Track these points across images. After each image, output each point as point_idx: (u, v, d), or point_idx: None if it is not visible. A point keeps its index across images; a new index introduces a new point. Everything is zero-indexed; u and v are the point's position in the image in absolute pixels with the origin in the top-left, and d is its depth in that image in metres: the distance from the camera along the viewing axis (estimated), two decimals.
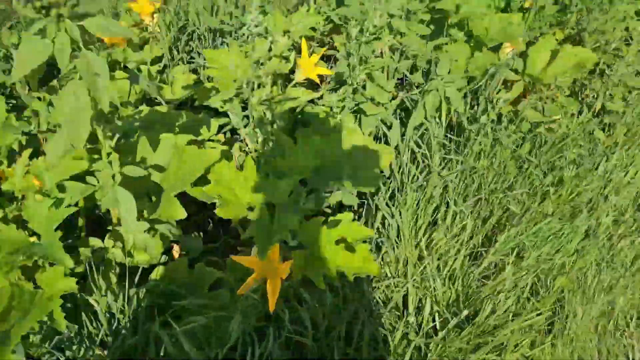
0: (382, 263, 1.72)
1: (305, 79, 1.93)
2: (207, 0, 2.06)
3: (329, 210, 1.52)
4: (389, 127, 1.85)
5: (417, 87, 1.77)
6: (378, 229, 1.73)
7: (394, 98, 1.86)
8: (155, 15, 2.34)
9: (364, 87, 1.76)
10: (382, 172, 1.66)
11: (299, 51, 2.00)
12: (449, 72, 1.70)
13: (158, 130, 1.45)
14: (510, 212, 1.87)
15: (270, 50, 1.90)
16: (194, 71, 2.19)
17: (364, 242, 1.35)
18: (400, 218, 1.73)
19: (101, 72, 0.94)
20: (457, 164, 1.82)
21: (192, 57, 2.21)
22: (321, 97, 1.88)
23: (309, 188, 1.40)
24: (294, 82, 1.93)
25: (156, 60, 2.28)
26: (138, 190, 1.30)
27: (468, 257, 1.80)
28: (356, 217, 1.58)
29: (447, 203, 1.81)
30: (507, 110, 1.78)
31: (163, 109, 1.64)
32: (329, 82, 1.90)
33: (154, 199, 1.39)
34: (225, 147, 1.47)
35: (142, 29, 2.46)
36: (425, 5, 1.84)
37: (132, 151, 1.41)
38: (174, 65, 2.23)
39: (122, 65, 2.23)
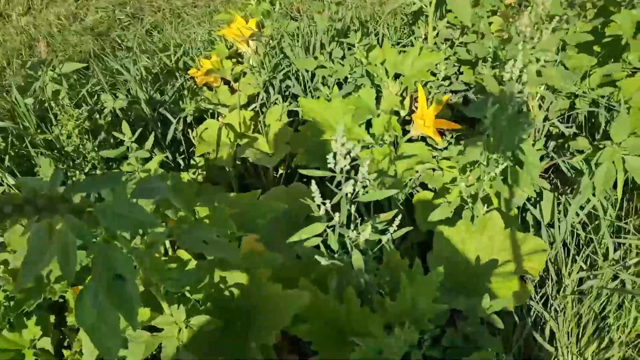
0: None
1: (420, 136, 1.54)
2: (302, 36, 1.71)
3: None
4: (539, 199, 1.40)
5: (579, 152, 1.30)
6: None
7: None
8: (251, 43, 2.05)
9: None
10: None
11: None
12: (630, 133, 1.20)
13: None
14: None
15: (377, 102, 1.52)
16: (292, 114, 1.88)
17: None
18: (558, 328, 1.30)
19: (127, 273, 0.66)
20: (637, 251, 1.33)
21: (288, 97, 1.90)
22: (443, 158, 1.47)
23: (431, 331, 1.03)
24: (407, 137, 1.54)
25: (251, 99, 2.00)
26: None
27: None
28: None
29: (621, 304, 1.34)
30: None
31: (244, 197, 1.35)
32: (452, 137, 1.48)
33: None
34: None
35: (235, 60, 2.19)
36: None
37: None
38: (270, 106, 1.94)
39: (210, 113, 1.99)
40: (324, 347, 1.04)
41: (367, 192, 0.86)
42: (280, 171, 1.90)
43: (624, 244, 1.35)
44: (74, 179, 1.51)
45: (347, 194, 0.85)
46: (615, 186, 1.27)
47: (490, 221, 1.27)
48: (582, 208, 1.32)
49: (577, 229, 1.36)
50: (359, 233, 0.92)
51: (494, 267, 1.24)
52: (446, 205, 1.28)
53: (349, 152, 0.79)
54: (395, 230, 0.97)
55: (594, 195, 1.28)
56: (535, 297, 1.33)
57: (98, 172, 1.53)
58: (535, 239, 1.25)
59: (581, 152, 1.29)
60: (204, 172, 1.97)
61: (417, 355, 0.92)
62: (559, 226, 1.31)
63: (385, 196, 0.90)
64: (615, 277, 1.31)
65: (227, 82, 2.11)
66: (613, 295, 1.34)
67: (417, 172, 1.44)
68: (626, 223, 1.36)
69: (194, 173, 1.98)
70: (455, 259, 1.26)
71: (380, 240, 1.02)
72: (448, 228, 1.28)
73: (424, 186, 1.54)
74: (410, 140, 1.56)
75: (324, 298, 1.05)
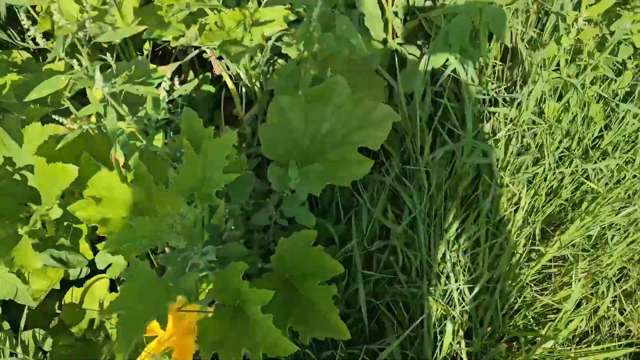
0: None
1: None
2: None
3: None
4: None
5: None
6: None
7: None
8: None
9: None
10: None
11: None
12: None
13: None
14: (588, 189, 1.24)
15: None
16: None
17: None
18: (417, 204, 1.18)
19: None
20: (505, 122, 1.19)
21: None
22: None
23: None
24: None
25: None
26: None
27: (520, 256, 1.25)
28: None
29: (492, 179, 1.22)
30: (591, 34, 1.07)
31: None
32: None
33: None
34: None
35: None
36: None
37: None
38: None
39: None
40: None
41: None
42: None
43: (494, 114, 1.21)
44: None
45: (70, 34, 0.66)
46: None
47: (336, 87, 1.09)
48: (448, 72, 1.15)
49: (446, 103, 1.19)
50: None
51: (336, 138, 1.09)
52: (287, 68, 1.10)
53: None
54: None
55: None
56: (390, 172, 1.19)
57: None
58: (384, 107, 1.10)
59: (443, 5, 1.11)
60: None
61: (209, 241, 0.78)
62: (419, 92, 1.15)
63: (123, 36, 0.71)
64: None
65: None
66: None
67: (268, 39, 1.24)
68: (497, 92, 1.21)
69: None
70: (294, 133, 1.10)
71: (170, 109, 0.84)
72: (288, 98, 1.10)
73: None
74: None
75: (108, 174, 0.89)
